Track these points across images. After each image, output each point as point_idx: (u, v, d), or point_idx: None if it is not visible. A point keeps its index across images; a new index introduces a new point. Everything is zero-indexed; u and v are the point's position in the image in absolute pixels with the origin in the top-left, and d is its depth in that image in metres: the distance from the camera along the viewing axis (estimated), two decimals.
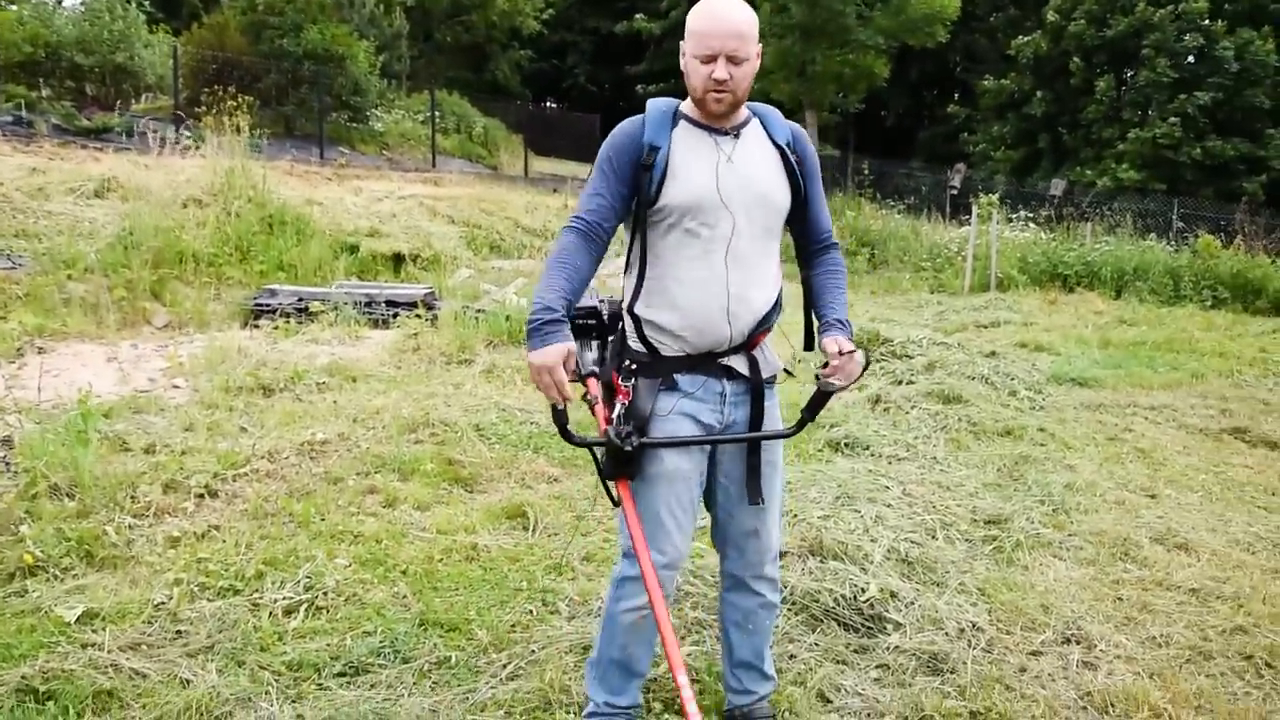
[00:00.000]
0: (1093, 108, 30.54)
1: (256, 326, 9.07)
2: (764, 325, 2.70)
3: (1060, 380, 8.79)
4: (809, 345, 2.80)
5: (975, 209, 18.00)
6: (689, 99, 2.65)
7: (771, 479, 2.81)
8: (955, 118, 36.36)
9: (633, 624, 2.75)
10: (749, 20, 2.51)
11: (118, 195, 11.00)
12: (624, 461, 2.56)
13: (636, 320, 2.66)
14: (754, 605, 2.93)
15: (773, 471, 2.81)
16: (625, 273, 2.71)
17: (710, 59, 2.50)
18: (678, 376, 2.65)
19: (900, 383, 7.94)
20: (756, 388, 2.72)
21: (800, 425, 2.79)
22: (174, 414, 5.97)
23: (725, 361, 2.68)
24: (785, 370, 2.83)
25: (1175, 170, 28.44)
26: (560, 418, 2.47)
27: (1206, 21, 28.58)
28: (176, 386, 6.80)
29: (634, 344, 2.67)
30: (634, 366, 2.65)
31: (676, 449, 2.63)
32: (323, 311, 9.18)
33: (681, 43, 2.59)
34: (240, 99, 13.77)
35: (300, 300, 9.51)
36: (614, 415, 2.56)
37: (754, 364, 2.72)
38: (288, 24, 19.53)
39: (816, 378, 2.68)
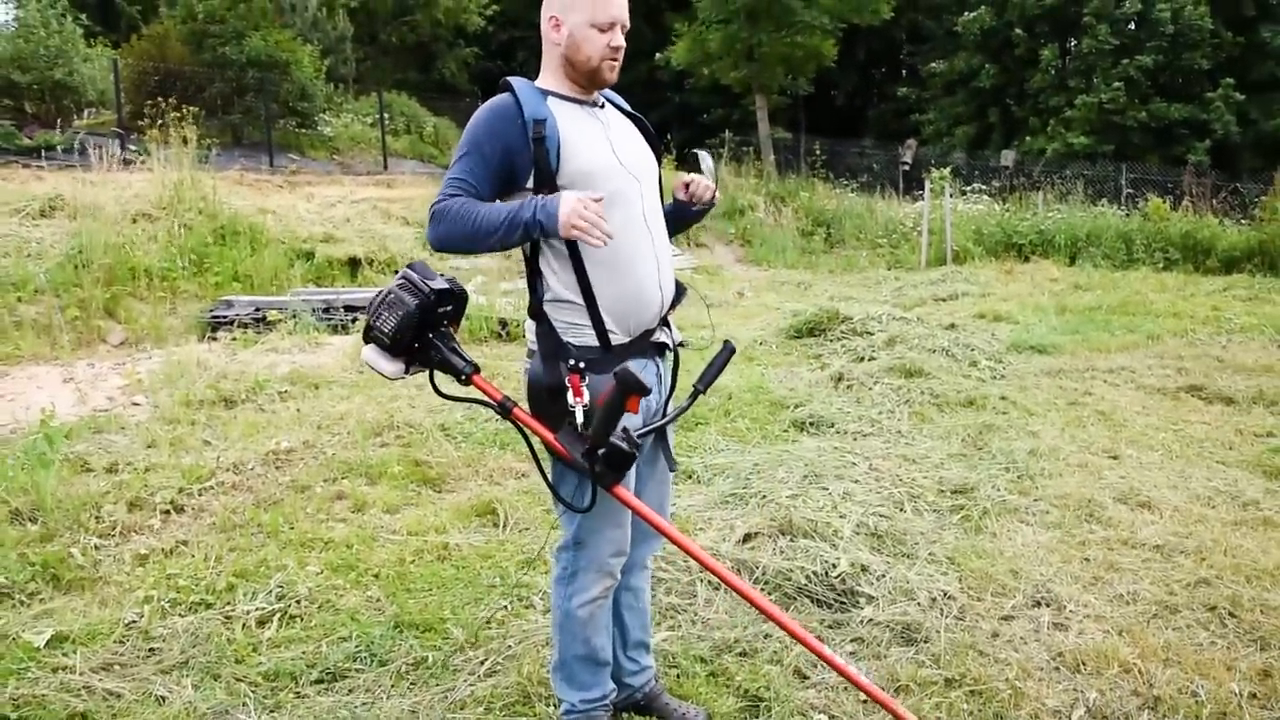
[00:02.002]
0: (1039, 77, 30.91)
1: (214, 339, 8.98)
2: (678, 294, 2.72)
3: (1019, 348, 8.89)
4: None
5: (928, 184, 18.13)
6: (549, 75, 2.57)
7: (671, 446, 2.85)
8: (910, 98, 36.63)
9: (590, 616, 2.71)
10: None
11: (65, 214, 10.81)
12: (627, 467, 2.40)
13: (594, 309, 2.48)
14: (643, 581, 2.96)
15: (672, 439, 2.86)
16: (543, 263, 2.53)
17: (611, 26, 2.47)
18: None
19: (862, 359, 8.00)
20: (676, 360, 2.76)
21: (693, 398, 2.79)
22: (135, 431, 5.90)
23: (655, 338, 2.65)
24: (680, 343, 2.82)
25: (1123, 135, 28.85)
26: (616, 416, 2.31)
27: None
28: (136, 404, 6.72)
29: (579, 339, 2.50)
30: (582, 365, 2.45)
31: None
32: (281, 320, 9.10)
33: (554, 14, 2.50)
34: (185, 110, 13.59)
35: (257, 310, 9.43)
36: (577, 421, 2.38)
37: (669, 335, 2.73)
38: (229, 32, 19.24)
39: (686, 205, 2.75)
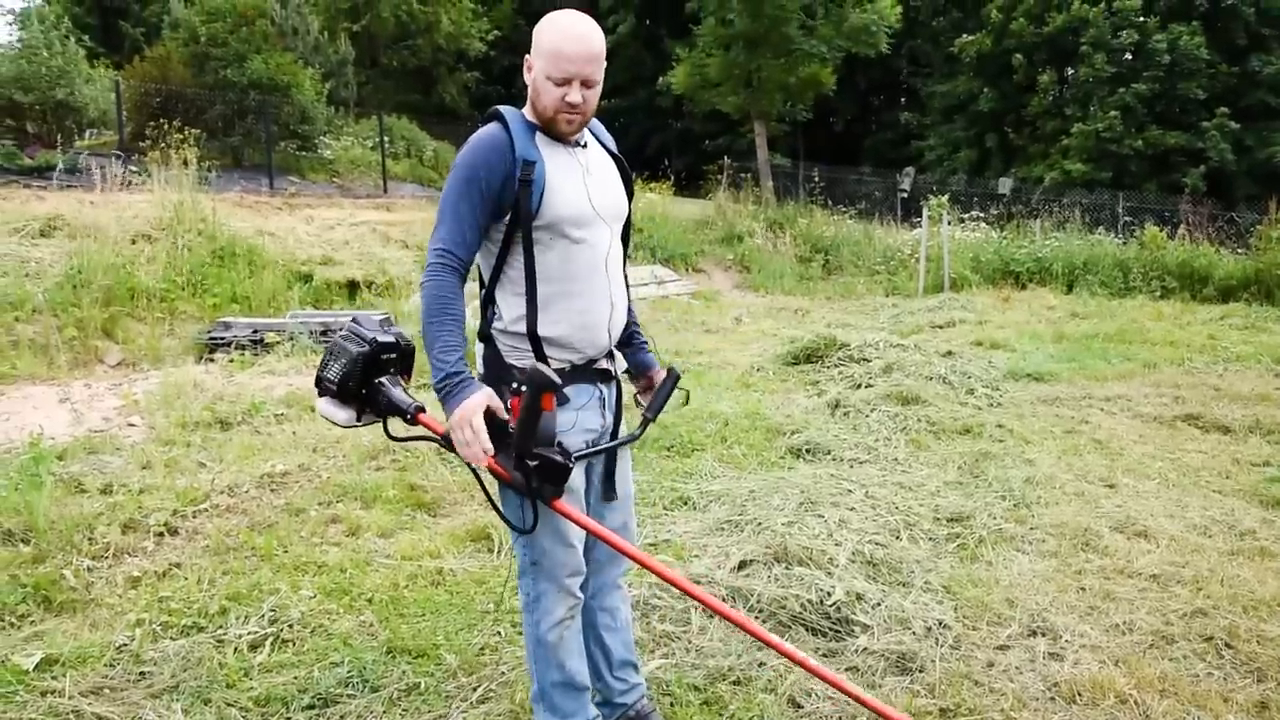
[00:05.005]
0: (1036, 101, 31.15)
1: (212, 360, 8.97)
2: (626, 330, 2.80)
3: (1016, 376, 8.89)
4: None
5: (926, 211, 18.20)
6: (528, 110, 2.59)
7: (628, 474, 2.90)
8: (910, 124, 36.87)
9: (560, 639, 2.71)
10: (603, 42, 2.51)
11: (64, 234, 10.83)
12: (562, 480, 2.45)
13: (535, 341, 2.55)
14: (619, 600, 2.97)
15: (628, 466, 2.91)
16: (499, 292, 2.59)
17: (565, 82, 2.45)
18: (566, 390, 2.58)
19: (859, 386, 7.99)
20: (619, 389, 2.80)
21: (644, 426, 2.86)
22: (130, 452, 5.89)
23: (600, 366, 2.68)
24: (626, 371, 2.89)
25: (1120, 163, 29.05)
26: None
27: (1141, 19, 29.29)
28: (132, 425, 6.70)
29: (522, 361, 2.54)
30: (522, 387, 2.44)
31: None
32: (278, 342, 9.11)
33: (528, 55, 2.52)
34: (186, 132, 13.66)
35: (255, 332, 9.43)
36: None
37: (613, 364, 2.77)
38: (231, 55, 19.34)
39: (638, 402, 2.93)
